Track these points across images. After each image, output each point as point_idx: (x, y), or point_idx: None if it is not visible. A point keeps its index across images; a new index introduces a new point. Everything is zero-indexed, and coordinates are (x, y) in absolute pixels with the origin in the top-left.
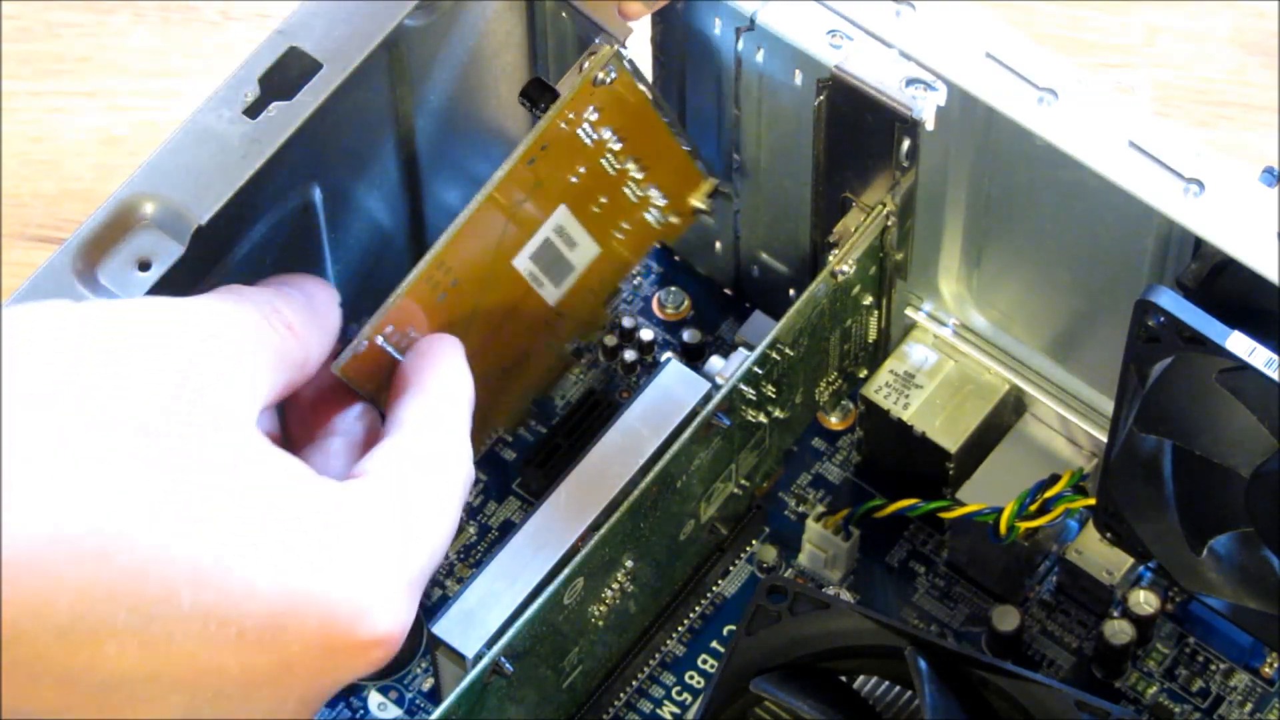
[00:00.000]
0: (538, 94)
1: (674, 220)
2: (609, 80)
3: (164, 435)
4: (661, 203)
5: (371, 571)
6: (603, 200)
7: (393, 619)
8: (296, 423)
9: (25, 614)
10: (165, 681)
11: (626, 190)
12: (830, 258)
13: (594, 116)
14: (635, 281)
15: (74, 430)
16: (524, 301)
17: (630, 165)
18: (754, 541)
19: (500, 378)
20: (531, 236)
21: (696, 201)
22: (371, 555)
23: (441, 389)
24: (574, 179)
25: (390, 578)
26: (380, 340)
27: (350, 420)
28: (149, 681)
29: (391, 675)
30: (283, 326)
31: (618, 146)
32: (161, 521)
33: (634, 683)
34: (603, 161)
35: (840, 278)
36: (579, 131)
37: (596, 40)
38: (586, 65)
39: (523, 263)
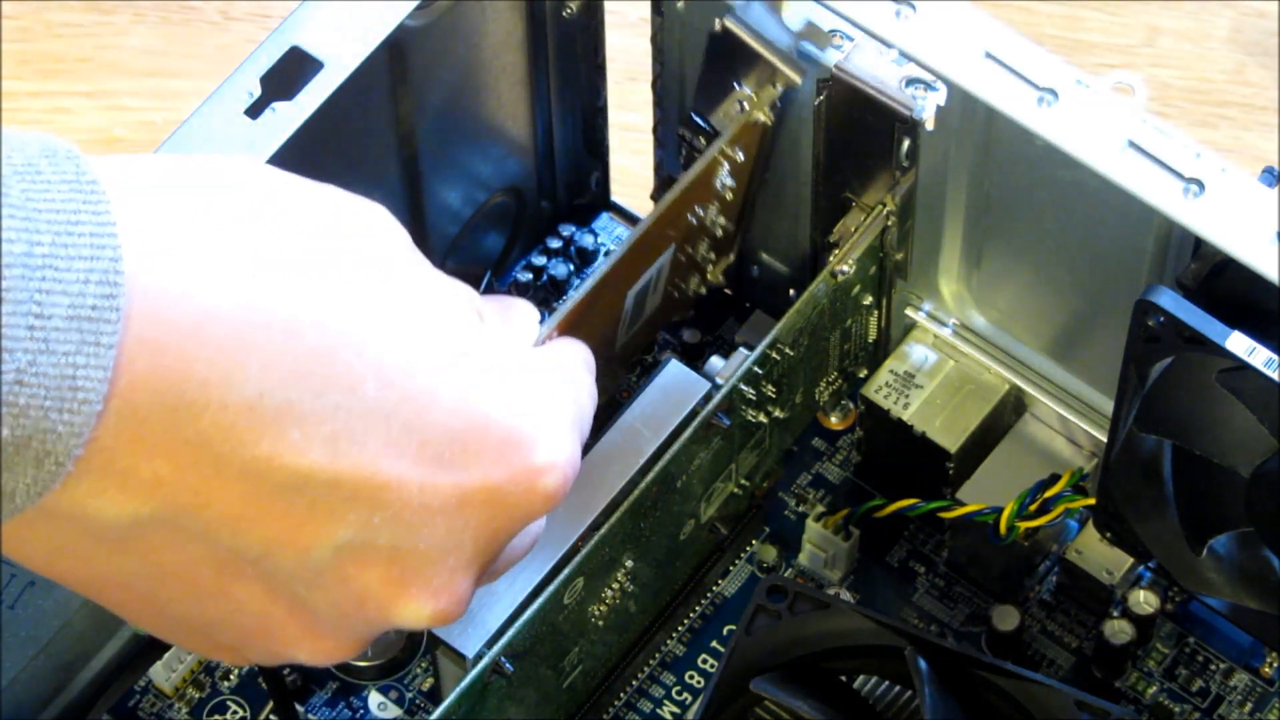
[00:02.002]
0: (697, 126)
1: (700, 290)
2: (769, 123)
3: (362, 252)
4: (707, 268)
5: (547, 406)
6: (687, 249)
7: (566, 450)
8: None
9: (216, 376)
10: (345, 489)
11: (701, 245)
12: (830, 258)
13: (739, 157)
14: None
15: (280, 227)
16: (607, 336)
17: (721, 220)
18: (754, 541)
19: None
20: (645, 270)
21: (716, 277)
22: (546, 394)
23: (573, 354)
24: (691, 219)
25: (562, 415)
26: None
27: None
28: (330, 487)
29: (391, 675)
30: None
31: (729, 197)
32: (353, 314)
33: (634, 683)
34: (710, 208)
35: (840, 278)
36: (720, 170)
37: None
38: (747, 104)
39: (629, 297)
